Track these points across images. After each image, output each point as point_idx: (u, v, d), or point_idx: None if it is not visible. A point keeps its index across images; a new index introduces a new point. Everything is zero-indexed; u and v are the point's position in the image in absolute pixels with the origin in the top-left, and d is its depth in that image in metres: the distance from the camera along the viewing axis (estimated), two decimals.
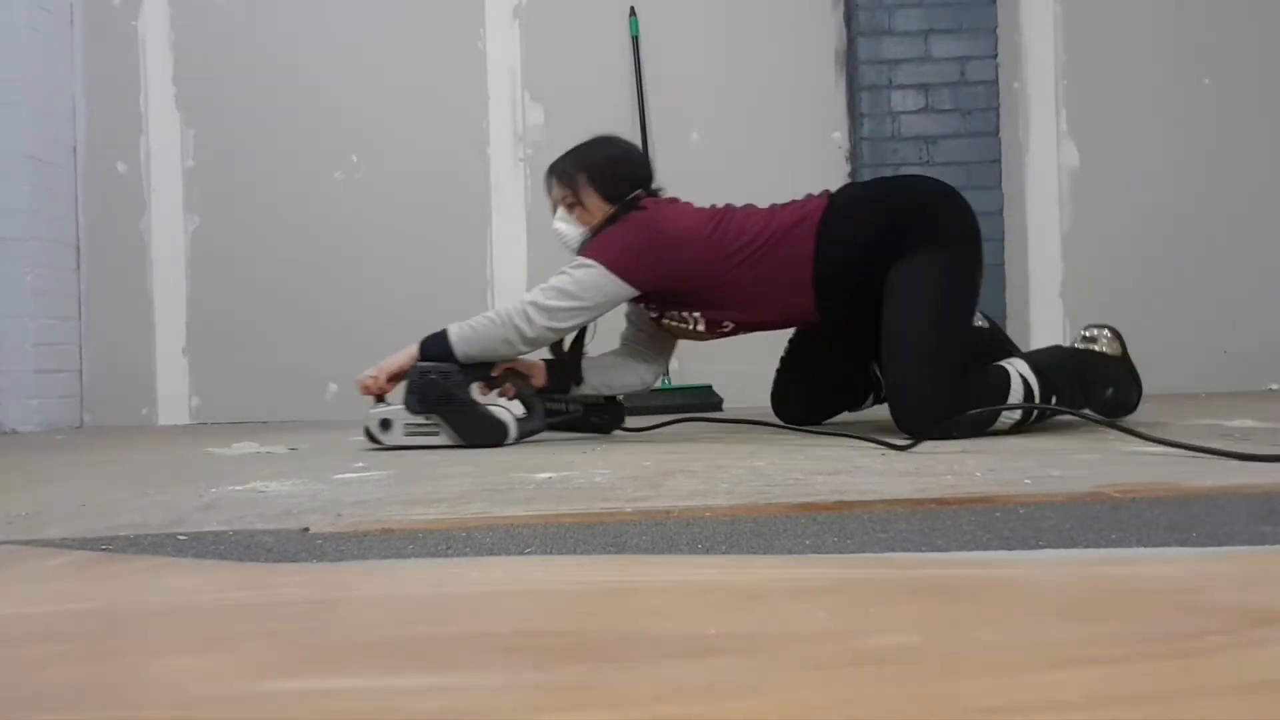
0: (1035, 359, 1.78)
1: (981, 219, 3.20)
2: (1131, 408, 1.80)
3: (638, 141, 3.22)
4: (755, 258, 1.77)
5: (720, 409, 2.84)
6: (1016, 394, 1.67)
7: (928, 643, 0.44)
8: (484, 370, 1.80)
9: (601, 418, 2.00)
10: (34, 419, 3.10)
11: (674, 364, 3.12)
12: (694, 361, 3.17)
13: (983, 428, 1.65)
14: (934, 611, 0.51)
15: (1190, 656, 0.41)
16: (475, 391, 1.80)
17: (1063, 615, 0.49)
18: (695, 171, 3.30)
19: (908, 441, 1.45)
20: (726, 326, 1.87)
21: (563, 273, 1.78)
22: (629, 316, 2.06)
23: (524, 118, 3.32)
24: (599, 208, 1.87)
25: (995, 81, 3.14)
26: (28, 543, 0.83)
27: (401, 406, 1.75)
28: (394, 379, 1.79)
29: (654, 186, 1.94)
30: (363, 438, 1.79)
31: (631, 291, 1.78)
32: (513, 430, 1.76)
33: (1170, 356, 3.24)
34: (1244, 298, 3.28)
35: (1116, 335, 1.85)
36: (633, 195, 1.87)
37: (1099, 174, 3.29)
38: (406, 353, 1.79)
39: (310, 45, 3.36)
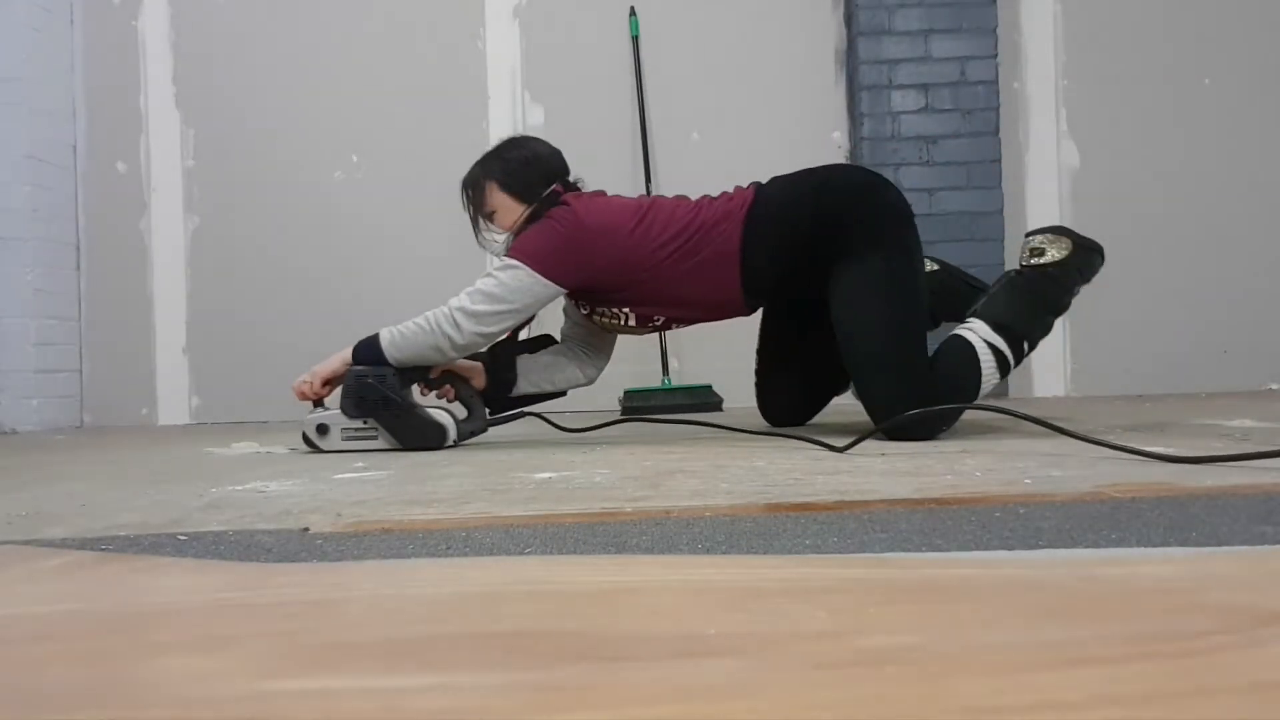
0: (993, 311, 1.73)
1: (981, 219, 3.18)
2: (1098, 267, 1.80)
3: (638, 141, 3.23)
4: (680, 253, 1.75)
5: (720, 409, 2.84)
6: (988, 365, 1.67)
7: (928, 643, 0.44)
8: (422, 372, 1.79)
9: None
10: (34, 419, 3.10)
11: (674, 364, 3.12)
12: (694, 362, 3.18)
13: (966, 402, 1.63)
14: (934, 611, 0.51)
15: (1190, 656, 0.41)
16: (414, 394, 1.79)
17: (1063, 615, 0.49)
18: (695, 171, 3.30)
19: (846, 442, 1.43)
20: (657, 320, 1.86)
21: (488, 275, 1.75)
22: (565, 312, 2.04)
23: (524, 118, 3.32)
24: (514, 209, 1.85)
25: (995, 81, 3.14)
26: (28, 543, 0.83)
27: (338, 411, 1.73)
28: (329, 383, 1.77)
29: (571, 179, 1.90)
30: (299, 444, 1.77)
31: (558, 290, 1.76)
32: (452, 432, 1.74)
33: (1170, 356, 3.24)
34: (1244, 298, 3.28)
35: (1059, 232, 1.78)
36: (548, 192, 1.84)
37: (1099, 174, 3.29)
38: (340, 357, 1.76)
39: (310, 45, 3.36)
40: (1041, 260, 1.76)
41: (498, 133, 3.34)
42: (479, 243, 1.94)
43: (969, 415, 1.80)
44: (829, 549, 0.74)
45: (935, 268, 1.97)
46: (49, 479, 1.44)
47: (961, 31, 3.12)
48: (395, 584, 0.63)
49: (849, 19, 3.25)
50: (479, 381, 1.89)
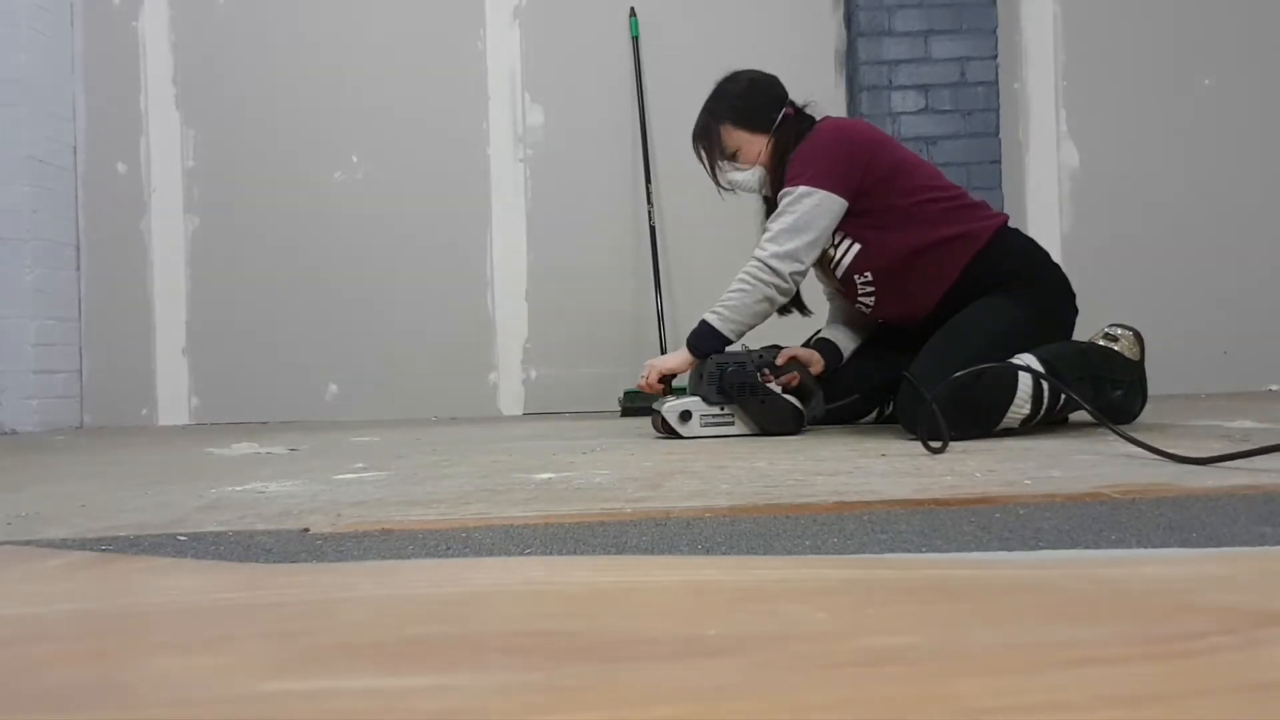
0: (1044, 351, 1.72)
1: None
2: (1133, 415, 1.78)
3: (638, 141, 3.23)
4: (944, 207, 1.80)
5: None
6: (1024, 390, 1.62)
7: (928, 643, 0.44)
8: (769, 359, 1.85)
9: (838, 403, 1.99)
10: (34, 419, 3.10)
11: None
12: None
13: (991, 427, 1.63)
14: (934, 611, 0.51)
15: (1190, 656, 0.41)
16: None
17: (1063, 615, 0.49)
18: (695, 171, 3.30)
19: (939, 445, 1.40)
20: (866, 276, 1.86)
21: (782, 214, 1.79)
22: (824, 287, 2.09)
23: (524, 118, 3.32)
24: (755, 141, 1.90)
25: (995, 82, 3.14)
26: (28, 543, 0.83)
27: (695, 398, 1.81)
28: (664, 379, 1.89)
29: (794, 100, 1.95)
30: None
31: (846, 202, 1.79)
32: (805, 418, 1.82)
33: (1170, 356, 3.24)
34: (1244, 298, 3.28)
35: (1139, 340, 1.83)
36: (782, 115, 1.90)
37: (1099, 174, 3.29)
38: (680, 354, 1.86)
39: (310, 45, 3.36)
40: (1113, 345, 1.80)
41: (498, 133, 3.34)
42: (722, 186, 1.96)
43: None
44: (829, 549, 0.74)
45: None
46: (49, 479, 1.44)
47: (961, 32, 3.12)
48: (395, 584, 0.63)
49: (849, 20, 3.25)
50: (817, 368, 1.94)
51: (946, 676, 0.39)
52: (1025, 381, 1.63)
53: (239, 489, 1.21)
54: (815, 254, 1.81)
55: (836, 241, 1.85)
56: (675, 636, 0.47)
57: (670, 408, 1.82)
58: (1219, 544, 0.72)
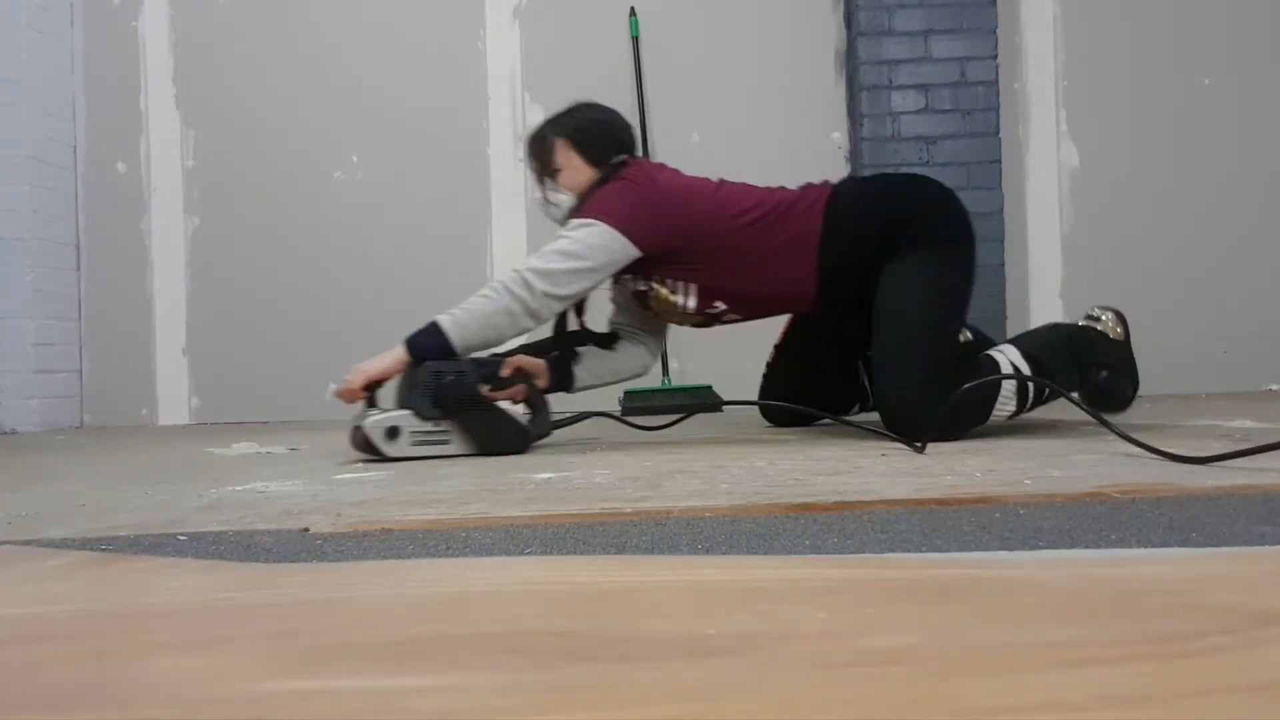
0: (1027, 342, 1.74)
1: (981, 219, 3.20)
2: (1126, 402, 1.75)
3: (638, 141, 3.22)
4: (761, 227, 1.71)
5: (721, 410, 2.84)
6: (1009, 389, 1.64)
7: (928, 643, 0.44)
8: (492, 370, 1.65)
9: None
10: (34, 419, 3.10)
11: (674, 364, 3.12)
12: (694, 362, 3.17)
13: (978, 422, 1.64)
14: (934, 611, 0.51)
15: (1190, 656, 0.41)
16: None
17: (1063, 615, 0.49)
18: (695, 171, 3.29)
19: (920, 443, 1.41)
20: (717, 306, 1.79)
21: (561, 236, 1.66)
22: (614, 300, 1.98)
23: (524, 118, 3.32)
24: (583, 172, 1.78)
25: (995, 81, 3.14)
26: (28, 543, 0.83)
27: (404, 412, 1.55)
28: (372, 385, 1.60)
29: (636, 153, 1.86)
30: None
31: (635, 252, 1.67)
32: (530, 435, 1.65)
33: (1170, 356, 3.24)
34: (1244, 298, 3.28)
35: (1121, 319, 1.79)
36: (618, 159, 1.79)
37: (1099, 174, 3.29)
38: (393, 355, 1.60)
39: (310, 45, 3.36)
40: (1094, 325, 1.77)
41: (498, 133, 3.34)
42: (543, 203, 1.85)
43: None
44: (829, 549, 0.74)
45: (969, 338, 1.92)
46: (49, 479, 1.44)
47: (961, 32, 3.12)
48: (395, 584, 0.63)
49: (849, 19, 3.25)
50: (543, 381, 1.78)
51: (946, 676, 0.39)
52: (1009, 381, 1.64)
53: (239, 489, 1.21)
54: (578, 288, 1.65)
55: (673, 288, 1.77)
56: (675, 636, 0.47)
57: (375, 422, 1.52)
58: (1219, 544, 0.72)
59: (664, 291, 1.79)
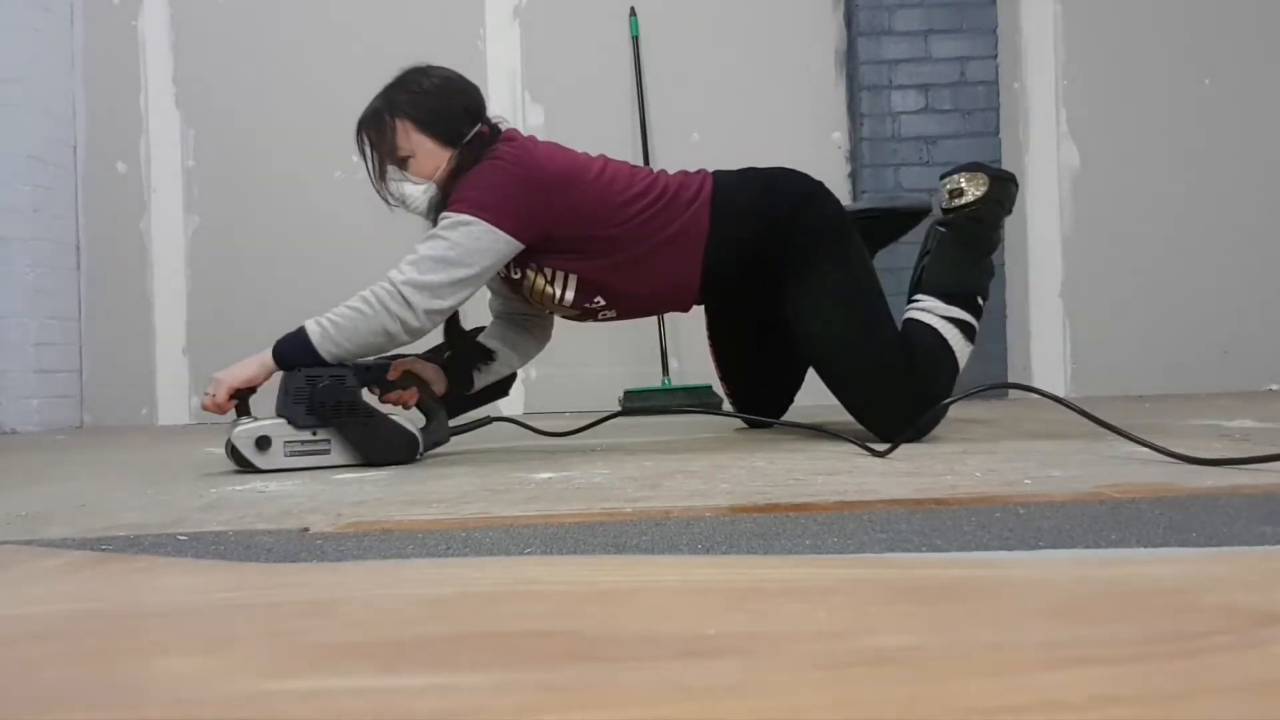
0: (938, 281, 1.67)
1: None
2: (1013, 196, 1.73)
3: (638, 141, 3.22)
4: (650, 218, 1.57)
5: (720, 410, 2.84)
6: (955, 340, 1.62)
7: (928, 643, 0.44)
8: (379, 373, 1.53)
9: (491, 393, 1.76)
10: (34, 419, 3.10)
11: (674, 364, 3.12)
12: (694, 362, 3.17)
13: (950, 383, 1.61)
14: (934, 611, 0.51)
15: (1190, 656, 0.41)
16: (367, 399, 1.51)
17: (1063, 615, 0.49)
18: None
19: (885, 447, 1.38)
20: (597, 302, 1.64)
21: (434, 237, 1.48)
22: (490, 286, 1.80)
23: (524, 118, 3.32)
24: (436, 154, 1.56)
25: (995, 81, 3.14)
26: (28, 543, 0.83)
27: (278, 420, 1.45)
28: (238, 394, 1.48)
29: (490, 117, 1.63)
30: (224, 459, 1.47)
31: (519, 247, 1.51)
32: (420, 444, 1.51)
33: (1170, 356, 3.24)
34: (1244, 298, 3.28)
35: (973, 168, 1.69)
36: (474, 132, 1.57)
37: (1099, 174, 3.29)
38: (257, 360, 1.48)
39: (310, 45, 3.36)
40: (962, 201, 1.68)
41: None
42: (383, 196, 1.64)
43: (966, 406, 1.79)
44: (829, 549, 0.74)
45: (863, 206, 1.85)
46: (49, 479, 1.44)
47: (961, 31, 3.12)
48: (395, 584, 0.63)
49: (849, 19, 3.25)
50: (440, 387, 1.63)
51: (946, 676, 0.39)
52: (951, 335, 1.62)
53: (239, 489, 1.21)
54: (463, 295, 1.50)
55: (550, 277, 1.61)
56: (675, 636, 0.47)
57: (244, 432, 1.42)
58: (1219, 544, 0.71)
59: (540, 281, 1.62)
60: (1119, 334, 3.26)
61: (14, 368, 3.06)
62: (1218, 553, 0.68)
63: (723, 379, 2.04)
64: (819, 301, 1.61)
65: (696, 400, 2.85)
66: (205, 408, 1.49)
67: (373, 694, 0.39)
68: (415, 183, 1.59)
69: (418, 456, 1.51)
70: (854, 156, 3.26)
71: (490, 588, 0.60)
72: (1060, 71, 3.30)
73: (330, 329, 1.46)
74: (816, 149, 3.27)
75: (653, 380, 3.08)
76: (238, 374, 1.47)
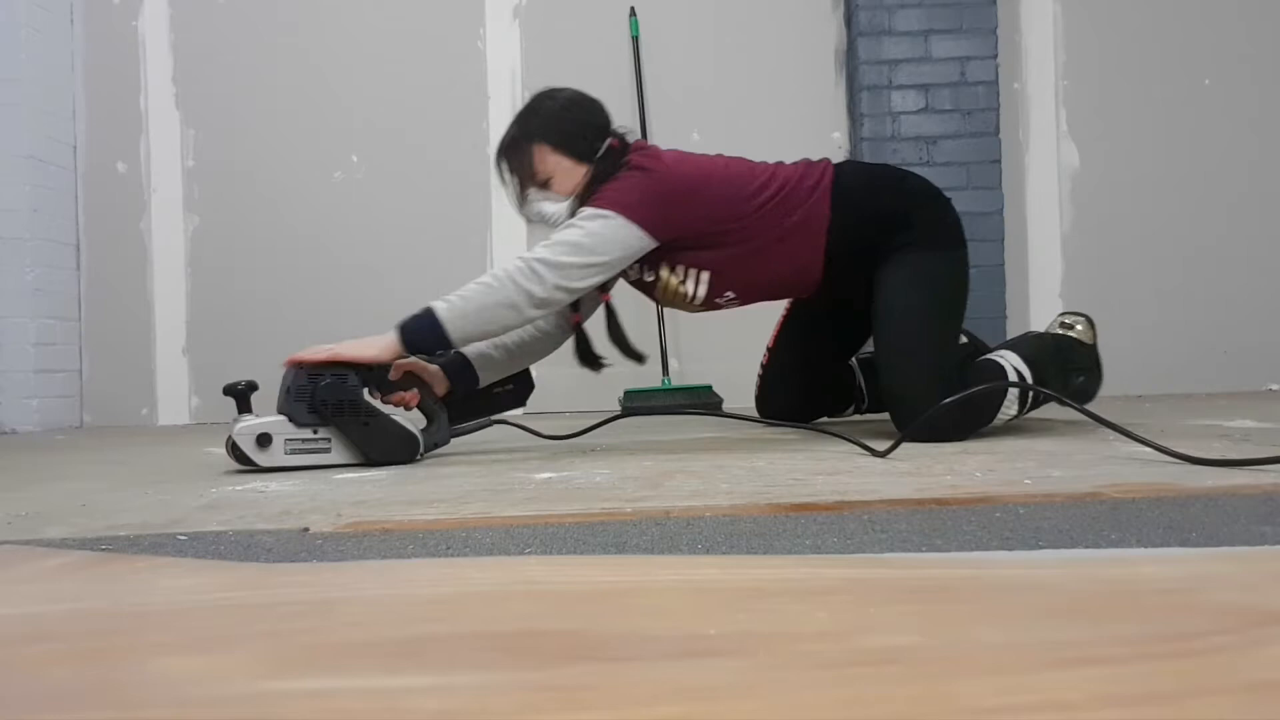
0: (1023, 349, 1.77)
1: (981, 219, 3.19)
2: (1091, 397, 1.80)
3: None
4: (774, 209, 1.64)
5: (720, 409, 2.84)
6: (1012, 394, 1.66)
7: (928, 643, 0.44)
8: (380, 374, 1.54)
9: (505, 388, 1.76)
10: (34, 419, 3.10)
11: (674, 364, 3.12)
12: (694, 362, 3.17)
13: (984, 423, 1.65)
14: (934, 611, 0.51)
15: (1190, 656, 0.41)
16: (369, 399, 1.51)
17: (1063, 615, 0.49)
18: None
19: (885, 446, 1.38)
20: (727, 295, 1.72)
21: (571, 226, 1.55)
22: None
23: None
24: (574, 171, 1.65)
25: (995, 81, 3.14)
26: (28, 543, 0.83)
27: (279, 418, 1.46)
28: (314, 373, 1.48)
29: (617, 129, 1.72)
30: (224, 456, 1.49)
31: (652, 244, 1.58)
32: (421, 445, 1.53)
33: (1170, 356, 3.24)
34: (1244, 298, 3.28)
35: (1091, 324, 1.84)
36: (605, 146, 1.66)
37: (1099, 174, 3.29)
38: (382, 341, 1.48)
39: (310, 45, 3.36)
40: (1069, 333, 1.81)
41: (498, 133, 3.33)
42: (525, 215, 1.72)
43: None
44: (829, 549, 0.74)
45: (964, 341, 1.93)
46: (49, 479, 1.44)
47: (961, 31, 3.12)
48: (395, 584, 0.63)
49: (849, 19, 3.25)
50: (440, 388, 1.65)
51: (946, 676, 0.39)
52: (1012, 375, 1.68)
53: (239, 488, 1.21)
54: (592, 282, 1.54)
55: (683, 276, 1.68)
56: (675, 636, 0.47)
57: (245, 429, 1.44)
58: (1219, 544, 0.72)
59: (674, 281, 1.68)
60: (1119, 334, 3.26)
61: (14, 368, 3.06)
62: (1217, 553, 0.68)
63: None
64: (909, 276, 1.66)
65: (696, 400, 2.85)
66: (290, 360, 1.50)
67: (373, 694, 0.39)
68: (555, 200, 1.67)
69: (417, 457, 1.53)
70: (854, 157, 3.26)
71: (490, 588, 0.60)
72: (1060, 71, 3.30)
73: (458, 305, 1.48)
74: (817, 149, 3.27)
75: (653, 380, 3.08)
76: (354, 350, 1.48)
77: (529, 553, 0.76)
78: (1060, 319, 1.86)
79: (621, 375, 3.15)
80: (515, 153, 1.67)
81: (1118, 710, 0.35)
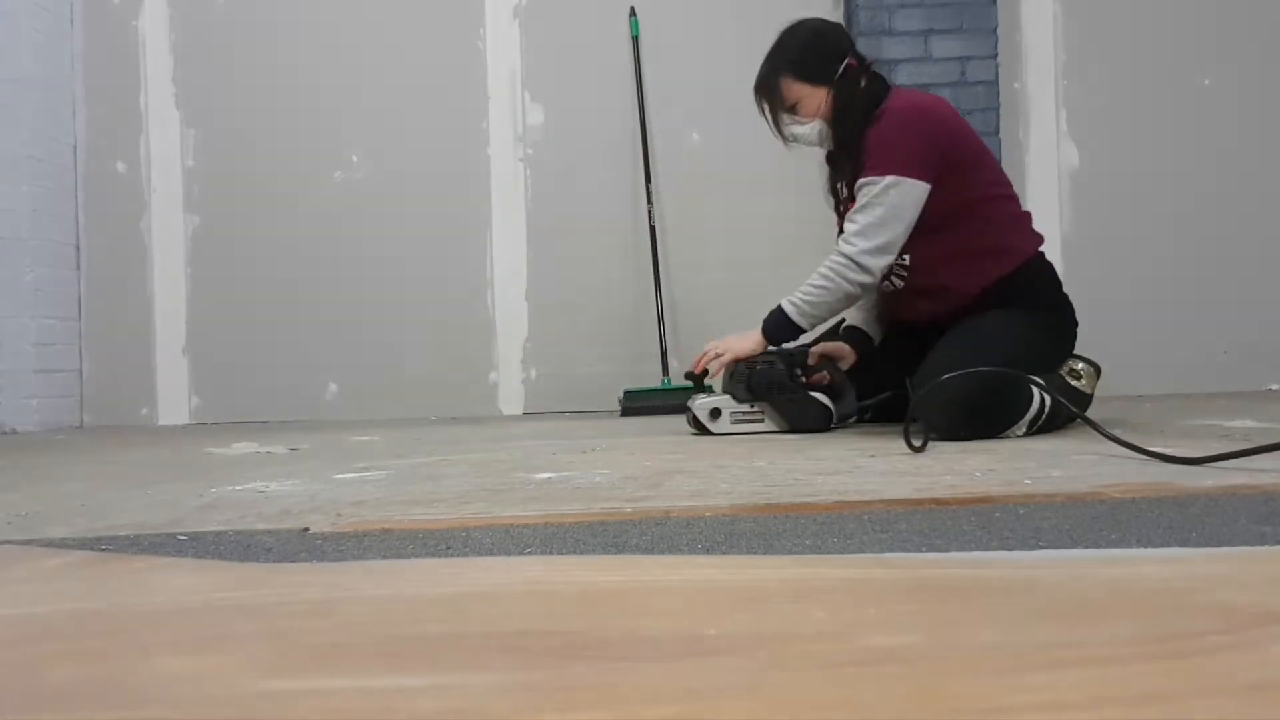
0: (1044, 379, 1.76)
1: None
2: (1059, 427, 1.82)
3: (638, 141, 3.22)
4: (1001, 207, 1.81)
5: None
6: (1035, 405, 1.66)
7: (928, 643, 0.44)
8: (800, 359, 1.88)
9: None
10: (34, 419, 3.10)
11: (674, 364, 3.12)
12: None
13: (1001, 431, 1.65)
14: (934, 611, 0.51)
15: (1190, 656, 0.41)
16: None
17: (1063, 615, 0.49)
18: (695, 171, 3.30)
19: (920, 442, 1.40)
20: (903, 258, 1.82)
21: (869, 206, 1.75)
22: None
23: (524, 118, 3.32)
24: (815, 94, 1.86)
25: (995, 81, 3.14)
26: (28, 543, 0.83)
27: (725, 396, 1.88)
28: (692, 376, 1.91)
29: (858, 52, 1.90)
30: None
31: (929, 188, 1.75)
32: (834, 415, 1.86)
33: (1170, 356, 3.24)
34: (1244, 298, 3.28)
35: (1097, 375, 1.84)
36: (843, 67, 1.85)
37: (1099, 174, 3.29)
38: (753, 338, 1.85)
39: (310, 45, 3.36)
40: (1075, 383, 1.82)
41: (498, 133, 3.34)
42: (782, 138, 1.95)
43: None
44: (829, 549, 0.74)
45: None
46: (49, 479, 1.44)
47: (961, 31, 3.12)
48: (395, 584, 0.63)
49: (849, 19, 3.25)
50: (848, 362, 1.94)
51: (946, 676, 0.39)
52: (1038, 398, 1.67)
53: (239, 488, 1.21)
54: (901, 245, 1.77)
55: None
56: (675, 636, 0.47)
57: (701, 405, 1.88)
58: (1219, 544, 0.72)
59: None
60: (1119, 334, 3.26)
61: (14, 368, 3.06)
62: (1217, 553, 0.68)
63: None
64: (1014, 320, 1.76)
65: None
66: (699, 364, 1.93)
67: (373, 694, 0.39)
68: (803, 123, 1.90)
69: (830, 426, 1.88)
70: None
71: (490, 588, 0.60)
72: (1060, 71, 3.30)
73: (801, 304, 1.82)
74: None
75: (652, 380, 3.08)
76: (740, 346, 1.88)
77: (529, 553, 0.76)
78: (1070, 366, 1.84)
79: (621, 375, 3.16)
80: (765, 86, 1.91)
81: (1117, 710, 0.35)
